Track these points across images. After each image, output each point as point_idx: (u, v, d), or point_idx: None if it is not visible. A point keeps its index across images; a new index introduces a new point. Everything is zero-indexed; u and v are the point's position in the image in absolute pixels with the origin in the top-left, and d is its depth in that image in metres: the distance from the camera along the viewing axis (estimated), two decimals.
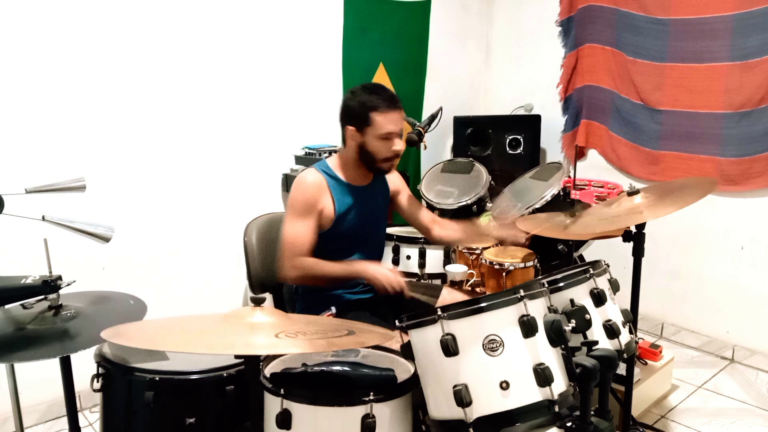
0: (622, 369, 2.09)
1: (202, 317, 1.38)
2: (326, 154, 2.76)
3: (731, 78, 2.83)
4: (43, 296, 1.55)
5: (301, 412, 1.38)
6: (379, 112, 1.97)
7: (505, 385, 1.32)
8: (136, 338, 1.23)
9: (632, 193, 1.96)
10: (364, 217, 2.11)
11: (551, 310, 1.45)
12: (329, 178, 2.07)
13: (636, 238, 1.97)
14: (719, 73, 2.87)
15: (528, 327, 1.34)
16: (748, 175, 2.85)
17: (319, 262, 1.97)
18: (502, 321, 1.36)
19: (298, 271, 1.97)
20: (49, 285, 1.52)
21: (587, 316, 1.54)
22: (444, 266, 2.52)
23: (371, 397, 1.37)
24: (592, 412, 1.40)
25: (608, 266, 1.76)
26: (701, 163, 2.99)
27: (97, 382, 1.60)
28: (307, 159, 2.97)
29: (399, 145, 2.04)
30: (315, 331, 1.25)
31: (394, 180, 2.27)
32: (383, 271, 1.94)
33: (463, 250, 2.46)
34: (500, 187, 2.92)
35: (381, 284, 1.92)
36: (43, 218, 1.60)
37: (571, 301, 1.58)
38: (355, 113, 2.00)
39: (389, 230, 2.68)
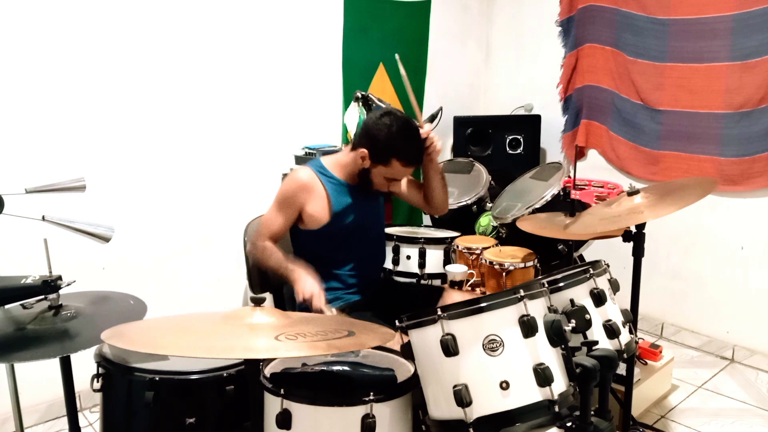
0: (622, 369, 2.09)
1: (201, 317, 1.38)
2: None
3: (731, 78, 2.83)
4: (43, 296, 1.55)
5: (301, 412, 1.38)
6: (401, 162, 1.97)
7: (505, 385, 1.32)
8: (135, 340, 1.23)
9: (632, 193, 1.96)
10: (362, 216, 2.11)
11: (551, 310, 1.45)
12: (325, 178, 2.06)
13: (636, 238, 1.97)
14: (719, 73, 2.86)
15: (528, 327, 1.34)
16: (748, 175, 2.85)
17: (274, 252, 2.00)
18: (502, 321, 1.36)
19: (257, 251, 2.04)
20: (49, 285, 1.52)
21: (587, 316, 1.54)
22: (444, 266, 2.52)
23: (371, 397, 1.37)
24: (592, 412, 1.40)
25: (608, 266, 1.76)
26: (701, 163, 2.99)
27: (97, 382, 1.60)
28: (307, 159, 2.96)
29: (397, 188, 2.14)
30: (315, 332, 1.25)
31: None
32: (304, 286, 1.88)
33: (463, 250, 2.46)
34: (500, 187, 2.92)
35: (299, 296, 1.89)
36: (43, 218, 1.60)
37: (571, 301, 1.58)
38: (378, 146, 1.97)
39: (389, 230, 2.68)
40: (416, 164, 2.03)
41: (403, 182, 2.29)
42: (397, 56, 2.00)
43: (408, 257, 2.55)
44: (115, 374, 1.58)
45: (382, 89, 3.39)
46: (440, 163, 3.20)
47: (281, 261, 1.98)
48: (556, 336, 1.37)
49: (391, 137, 1.95)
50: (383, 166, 1.99)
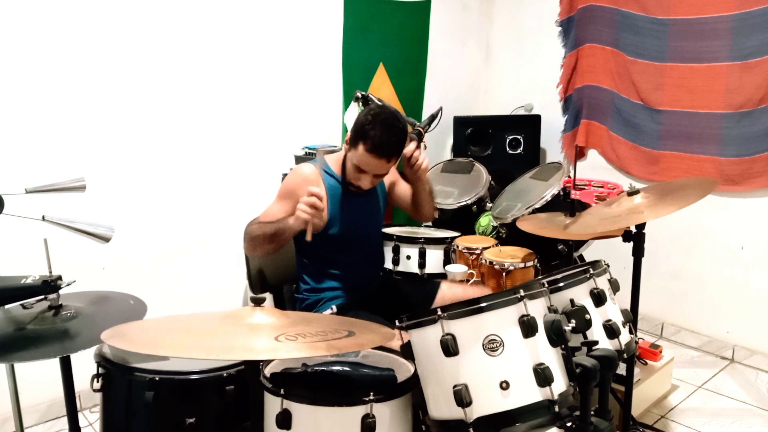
0: (622, 369, 2.09)
1: (201, 317, 1.38)
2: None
3: (731, 78, 2.83)
4: (43, 296, 1.55)
5: (301, 412, 1.38)
6: (365, 147, 1.92)
7: (505, 385, 1.32)
8: (135, 340, 1.23)
9: (632, 193, 1.96)
10: (361, 216, 2.11)
11: (551, 310, 1.45)
12: (327, 176, 2.07)
13: (636, 238, 1.97)
14: (719, 73, 2.86)
15: (528, 327, 1.34)
16: (748, 175, 2.85)
17: (262, 223, 1.95)
18: (502, 321, 1.36)
19: (251, 231, 1.96)
20: (49, 285, 1.52)
21: (587, 316, 1.54)
22: (444, 266, 2.52)
23: (371, 397, 1.37)
24: (592, 412, 1.40)
25: (608, 266, 1.76)
26: (701, 163, 2.99)
27: (97, 382, 1.60)
28: (307, 159, 2.97)
29: (364, 183, 2.02)
30: (315, 333, 1.25)
31: (389, 174, 2.25)
32: (299, 215, 1.82)
33: (463, 250, 2.46)
34: (500, 187, 2.92)
35: (304, 219, 1.82)
36: (43, 218, 1.60)
37: (571, 301, 1.58)
38: (354, 128, 1.97)
39: (389, 230, 2.68)
40: (380, 155, 1.92)
41: (398, 187, 2.29)
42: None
43: (408, 257, 2.55)
44: (115, 374, 1.58)
45: (382, 89, 3.40)
46: (437, 164, 3.22)
47: (275, 221, 1.92)
48: (556, 336, 1.37)
49: (365, 120, 1.94)
50: (353, 149, 1.96)
